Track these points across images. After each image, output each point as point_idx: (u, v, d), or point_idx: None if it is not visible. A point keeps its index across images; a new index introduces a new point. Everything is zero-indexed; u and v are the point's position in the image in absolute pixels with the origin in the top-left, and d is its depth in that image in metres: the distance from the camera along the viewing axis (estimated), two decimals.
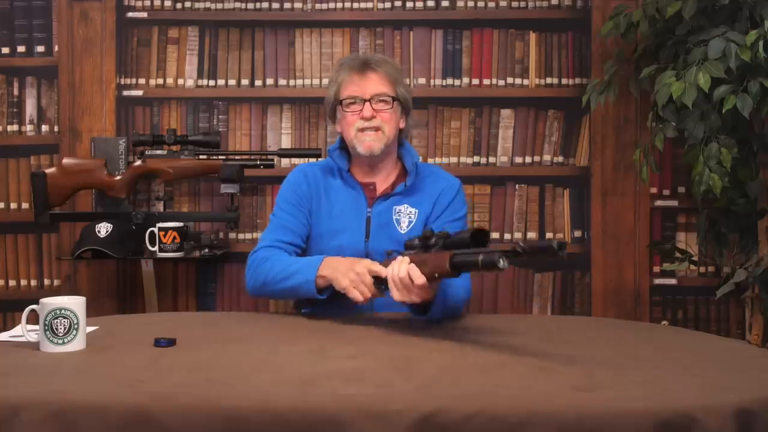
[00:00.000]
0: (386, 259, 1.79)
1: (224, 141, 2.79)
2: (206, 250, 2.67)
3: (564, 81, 2.78)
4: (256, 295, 2.01)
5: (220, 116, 2.81)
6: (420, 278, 1.62)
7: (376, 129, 1.99)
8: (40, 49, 2.80)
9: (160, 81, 2.80)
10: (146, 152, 2.65)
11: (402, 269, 1.65)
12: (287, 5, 2.79)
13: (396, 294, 1.68)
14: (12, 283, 2.82)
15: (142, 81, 2.80)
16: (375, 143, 1.98)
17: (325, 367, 1.39)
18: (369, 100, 1.99)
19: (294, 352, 1.51)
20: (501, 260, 1.44)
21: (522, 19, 2.78)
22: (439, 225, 1.97)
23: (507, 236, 2.79)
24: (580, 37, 2.78)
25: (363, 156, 2.01)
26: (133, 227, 2.63)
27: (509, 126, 2.79)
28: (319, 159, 2.70)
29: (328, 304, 2.00)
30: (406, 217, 2.01)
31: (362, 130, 1.99)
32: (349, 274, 1.79)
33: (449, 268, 1.57)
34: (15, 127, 2.81)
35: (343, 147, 2.10)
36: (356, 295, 1.79)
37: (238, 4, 2.80)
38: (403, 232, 2.00)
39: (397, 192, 2.03)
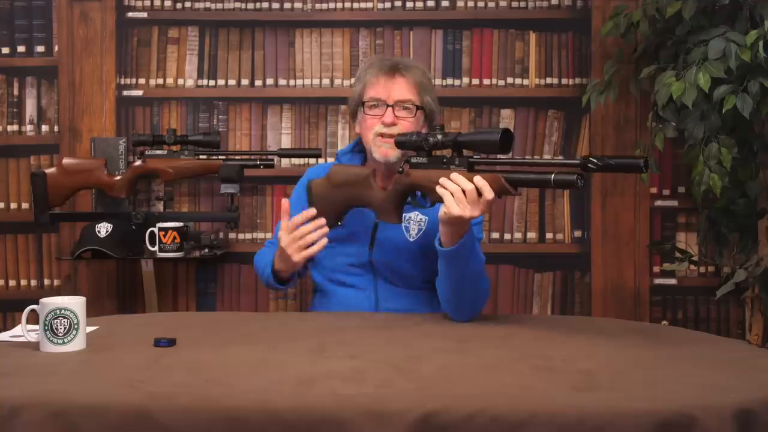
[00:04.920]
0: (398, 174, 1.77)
1: (224, 141, 2.79)
2: (206, 250, 2.67)
3: (564, 81, 2.78)
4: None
5: (220, 116, 2.81)
6: (491, 192, 1.59)
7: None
8: (40, 49, 2.80)
9: (160, 81, 2.80)
10: (146, 152, 2.65)
11: (466, 182, 1.61)
12: (287, 5, 2.79)
13: (455, 208, 1.62)
14: (12, 283, 2.82)
15: (142, 81, 2.80)
16: (391, 151, 1.90)
17: (324, 367, 1.39)
18: (392, 106, 1.93)
19: (294, 351, 1.51)
20: (579, 181, 1.46)
21: (522, 19, 2.78)
22: None
23: (507, 236, 2.79)
24: (580, 37, 2.78)
25: (379, 161, 1.94)
26: (133, 227, 2.63)
27: (509, 126, 2.79)
28: (319, 159, 2.72)
29: (328, 303, 2.02)
30: (416, 224, 1.96)
31: (381, 135, 1.93)
32: (283, 255, 1.85)
33: (509, 186, 1.56)
34: (15, 127, 2.81)
35: (357, 150, 2.07)
36: (305, 253, 1.82)
37: (238, 4, 2.80)
38: (412, 239, 1.96)
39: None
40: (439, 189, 1.65)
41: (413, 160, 1.75)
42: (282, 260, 1.89)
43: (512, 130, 1.61)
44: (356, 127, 2.04)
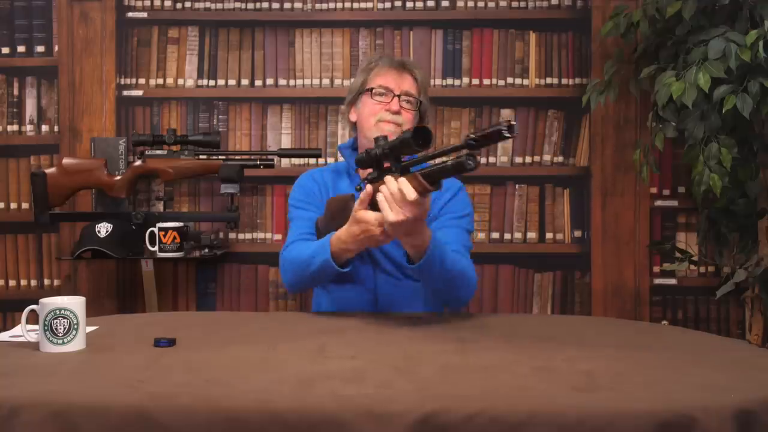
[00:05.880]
0: (359, 194, 1.76)
1: (224, 141, 2.79)
2: (206, 250, 2.67)
3: (564, 81, 2.78)
4: (297, 291, 2.04)
5: (220, 116, 2.81)
6: (412, 192, 1.59)
7: (398, 125, 2.00)
8: (40, 49, 2.80)
9: (160, 81, 2.80)
10: (146, 152, 2.65)
11: (393, 186, 1.62)
12: (287, 5, 2.79)
13: (391, 215, 1.62)
14: (12, 283, 2.82)
15: (142, 81, 2.80)
16: (392, 135, 1.91)
17: (324, 367, 1.39)
18: (399, 96, 2.03)
19: (294, 352, 1.51)
20: (469, 162, 1.47)
21: (522, 19, 2.78)
22: (440, 224, 1.96)
23: (507, 236, 2.79)
24: (580, 37, 2.78)
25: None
26: (133, 227, 2.63)
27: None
28: (319, 159, 2.72)
29: (329, 298, 2.02)
30: None
31: (384, 121, 2.00)
32: (360, 238, 1.76)
33: (425, 182, 1.57)
34: (15, 127, 2.81)
35: (355, 147, 2.10)
36: (385, 238, 1.75)
37: (238, 4, 2.80)
38: None
39: None
40: (377, 197, 1.67)
41: (370, 177, 1.76)
42: (359, 243, 1.79)
43: (429, 126, 1.62)
44: (352, 114, 2.10)
